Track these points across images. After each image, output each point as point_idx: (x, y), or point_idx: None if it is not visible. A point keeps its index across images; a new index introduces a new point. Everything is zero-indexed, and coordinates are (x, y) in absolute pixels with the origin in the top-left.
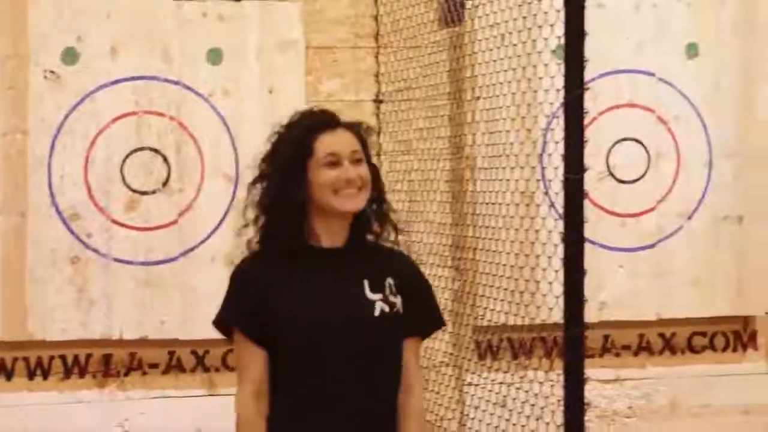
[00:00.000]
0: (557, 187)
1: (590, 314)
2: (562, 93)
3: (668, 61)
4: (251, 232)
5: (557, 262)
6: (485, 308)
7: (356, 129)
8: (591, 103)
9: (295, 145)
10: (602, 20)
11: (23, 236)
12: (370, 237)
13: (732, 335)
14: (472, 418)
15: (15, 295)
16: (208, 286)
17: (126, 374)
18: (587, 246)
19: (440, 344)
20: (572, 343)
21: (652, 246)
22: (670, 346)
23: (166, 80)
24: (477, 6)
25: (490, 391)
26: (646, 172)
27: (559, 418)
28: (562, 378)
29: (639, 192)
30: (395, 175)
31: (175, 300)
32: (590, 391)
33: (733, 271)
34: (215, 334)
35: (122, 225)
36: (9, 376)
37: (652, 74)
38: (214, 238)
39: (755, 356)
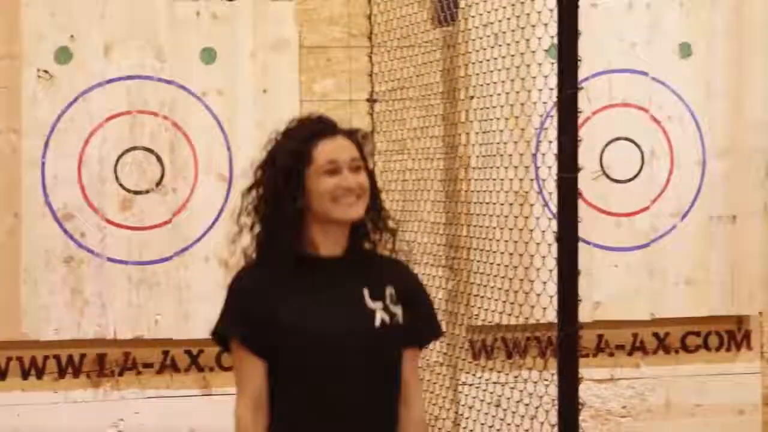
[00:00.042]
0: (551, 187)
1: (584, 314)
2: (555, 92)
3: (661, 60)
4: (246, 240)
5: (551, 262)
6: (479, 308)
7: (355, 136)
8: (585, 102)
9: (293, 152)
10: (595, 20)
11: (17, 236)
12: (368, 245)
13: (726, 335)
14: (467, 418)
15: (9, 295)
16: (203, 285)
17: (120, 374)
18: (581, 245)
19: (435, 344)
20: (566, 343)
21: (645, 246)
22: (664, 345)
23: (160, 80)
24: (470, 5)
25: (485, 390)
26: (639, 171)
27: (554, 418)
28: (556, 377)
29: (633, 191)
30: (389, 175)
31: (169, 300)
32: (584, 391)
33: (727, 270)
34: (209, 334)
35: (116, 225)
36: (3, 376)
37: (645, 74)
38: (208, 237)
39: (749, 356)
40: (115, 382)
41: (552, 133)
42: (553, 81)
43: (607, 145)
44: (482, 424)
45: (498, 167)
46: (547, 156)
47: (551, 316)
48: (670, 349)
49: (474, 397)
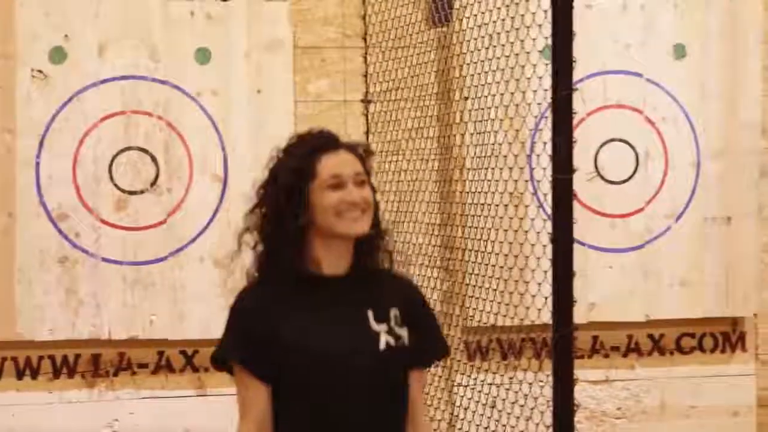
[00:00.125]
0: (546, 188)
1: (579, 315)
2: (550, 93)
3: (656, 62)
4: (248, 260)
5: (546, 263)
6: (474, 309)
7: (357, 150)
8: (579, 103)
9: (295, 168)
10: (590, 21)
11: (11, 236)
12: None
13: (721, 336)
14: (462, 419)
15: (3, 295)
16: (197, 286)
17: (115, 374)
18: (576, 247)
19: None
20: (561, 344)
21: (640, 247)
22: (658, 347)
23: (154, 80)
24: (465, 6)
25: (480, 391)
26: (634, 172)
27: (549, 419)
28: (551, 379)
29: (627, 193)
30: (384, 176)
31: (164, 300)
32: (579, 392)
33: (722, 272)
34: (204, 334)
35: (111, 225)
36: None
37: (639, 75)
38: (203, 238)
39: (744, 357)
40: (110, 382)
41: (546, 134)
42: (548, 82)
43: (601, 146)
44: (477, 425)
45: (493, 168)
46: (541, 157)
47: (546, 317)
48: (664, 350)
49: (469, 399)
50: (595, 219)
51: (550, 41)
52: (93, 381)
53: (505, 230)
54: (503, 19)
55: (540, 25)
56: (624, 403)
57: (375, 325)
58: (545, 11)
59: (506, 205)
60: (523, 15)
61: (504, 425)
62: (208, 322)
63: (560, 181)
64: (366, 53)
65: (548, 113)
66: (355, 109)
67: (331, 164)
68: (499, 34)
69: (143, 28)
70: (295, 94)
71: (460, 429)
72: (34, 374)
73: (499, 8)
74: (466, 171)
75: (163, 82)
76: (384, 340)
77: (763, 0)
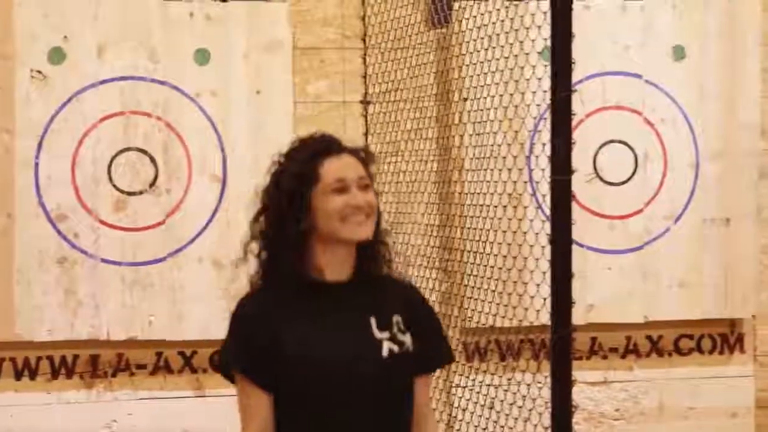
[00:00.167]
0: (545, 189)
1: (577, 316)
2: (549, 95)
3: (655, 63)
4: (252, 268)
5: (545, 264)
6: (473, 310)
7: (360, 154)
8: (578, 105)
9: (298, 172)
10: (589, 22)
11: (10, 237)
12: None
13: (719, 338)
14: (460, 420)
15: (2, 295)
16: (196, 286)
17: (113, 375)
18: (574, 248)
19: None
20: (560, 345)
21: (639, 248)
22: (657, 348)
23: (153, 80)
24: (464, 7)
25: (478, 392)
26: (633, 174)
27: (547, 420)
28: (549, 380)
29: (626, 194)
30: (383, 177)
31: (162, 301)
32: (578, 394)
33: (720, 273)
34: (203, 335)
35: (110, 225)
36: None
37: (638, 76)
38: (201, 238)
39: (742, 359)
40: (109, 383)
41: (545, 135)
42: (547, 83)
43: (600, 147)
44: (475, 426)
45: (491, 169)
46: (540, 158)
47: (544, 318)
48: (663, 351)
49: (467, 400)
50: (593, 220)
51: (549, 42)
52: (91, 382)
53: (504, 231)
54: (502, 21)
55: (539, 27)
56: (622, 405)
57: (378, 333)
58: (544, 13)
59: (505, 206)
60: (522, 16)
61: (502, 426)
62: (207, 323)
63: (559, 182)
64: (365, 54)
65: (547, 114)
66: (354, 110)
67: (334, 168)
68: (498, 35)
69: (142, 29)
70: (295, 95)
71: (458, 430)
72: (33, 375)
73: (498, 9)
74: (465, 172)
75: (162, 83)
76: (387, 347)
77: (762, 1)
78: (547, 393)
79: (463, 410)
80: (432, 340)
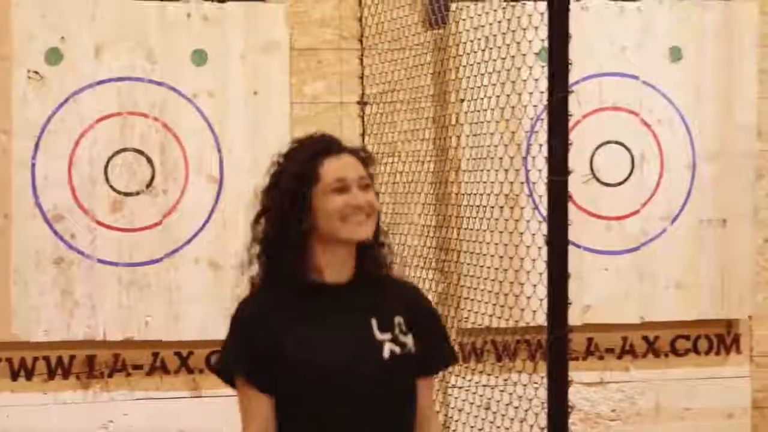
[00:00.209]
0: (541, 190)
1: (574, 317)
2: (546, 96)
3: (652, 64)
4: (253, 269)
5: (541, 265)
6: (469, 311)
7: (360, 154)
8: (575, 106)
9: (298, 172)
10: (586, 23)
11: (7, 237)
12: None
13: (715, 338)
14: (456, 421)
15: None
16: (193, 287)
17: (110, 376)
18: (571, 249)
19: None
20: (556, 346)
21: (635, 249)
22: (653, 349)
23: (151, 81)
24: (461, 8)
25: (474, 393)
26: (629, 175)
27: (543, 421)
28: (545, 381)
29: (623, 195)
30: (380, 178)
31: (159, 301)
32: (574, 394)
33: (717, 274)
34: (199, 336)
35: (106, 226)
36: None
37: (635, 77)
38: (198, 239)
39: (738, 359)
40: (105, 383)
41: (542, 136)
42: (544, 84)
43: (597, 148)
44: (472, 427)
45: (488, 170)
46: (537, 159)
47: (541, 319)
48: (659, 352)
49: (464, 400)
50: (590, 221)
51: (546, 43)
52: (88, 382)
53: (501, 232)
54: (499, 21)
55: (536, 28)
56: (618, 405)
57: (379, 334)
58: (541, 13)
59: (502, 207)
60: (519, 17)
61: (498, 427)
62: (204, 323)
63: (556, 183)
64: (362, 55)
65: (544, 115)
66: (351, 111)
67: (334, 168)
68: (495, 36)
69: (140, 30)
70: (292, 96)
71: (454, 430)
72: (29, 375)
73: (495, 10)
74: (461, 173)
75: (159, 84)
76: (388, 348)
77: (759, 3)
78: (543, 393)
79: (459, 411)
80: (434, 341)
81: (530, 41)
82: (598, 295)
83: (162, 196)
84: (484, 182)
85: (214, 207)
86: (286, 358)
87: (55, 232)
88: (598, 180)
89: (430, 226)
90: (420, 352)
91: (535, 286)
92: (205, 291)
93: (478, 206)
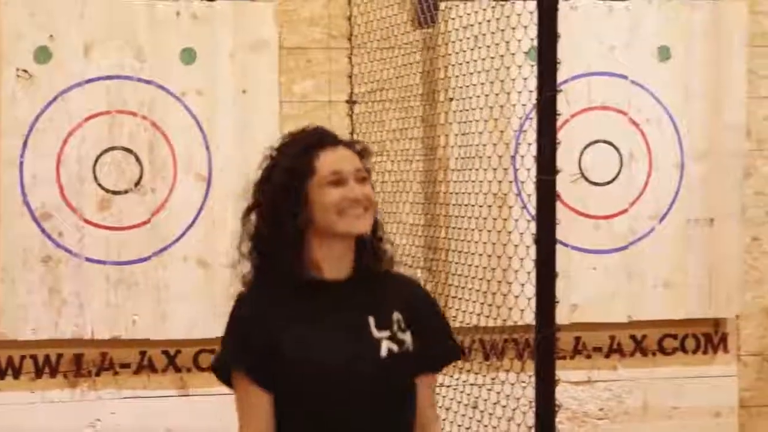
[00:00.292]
0: (530, 189)
1: (562, 316)
2: (534, 95)
3: (640, 63)
4: (246, 267)
5: (529, 264)
6: (457, 309)
7: (356, 147)
8: (564, 105)
9: (292, 165)
10: (575, 23)
11: None
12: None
13: (703, 337)
14: (444, 419)
15: None
16: (181, 286)
17: (97, 374)
18: (559, 248)
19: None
20: (544, 345)
21: (624, 248)
22: (641, 348)
23: (139, 80)
24: (450, 7)
25: (462, 392)
26: (618, 174)
27: (531, 420)
28: (533, 379)
29: (611, 194)
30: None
31: (147, 300)
32: (561, 393)
33: (704, 273)
34: (187, 335)
35: (94, 224)
36: None
37: (624, 77)
38: (186, 237)
39: (726, 358)
40: (92, 382)
41: (531, 135)
42: (533, 83)
43: (585, 147)
44: (459, 425)
45: (477, 169)
46: (525, 158)
47: (529, 318)
48: (647, 351)
49: (451, 399)
50: (578, 220)
51: (535, 43)
52: (75, 381)
53: (489, 231)
54: (488, 21)
55: (525, 27)
56: (606, 404)
57: (376, 333)
58: (530, 13)
59: (490, 206)
60: (508, 16)
61: (486, 426)
62: (191, 322)
63: (544, 182)
64: (351, 54)
65: (533, 114)
66: (340, 109)
67: (330, 160)
68: (484, 35)
69: (128, 29)
70: (281, 95)
71: (442, 429)
72: (16, 374)
73: (484, 9)
74: (450, 172)
75: (148, 82)
76: (386, 346)
77: (748, 2)
78: (530, 392)
79: (447, 409)
80: (433, 338)
81: (519, 40)
82: (586, 294)
83: (150, 194)
84: (473, 181)
85: (203, 205)
86: (283, 357)
87: (43, 231)
88: (586, 179)
89: (419, 225)
90: (419, 350)
91: (523, 285)
92: (193, 289)
93: (466, 205)
